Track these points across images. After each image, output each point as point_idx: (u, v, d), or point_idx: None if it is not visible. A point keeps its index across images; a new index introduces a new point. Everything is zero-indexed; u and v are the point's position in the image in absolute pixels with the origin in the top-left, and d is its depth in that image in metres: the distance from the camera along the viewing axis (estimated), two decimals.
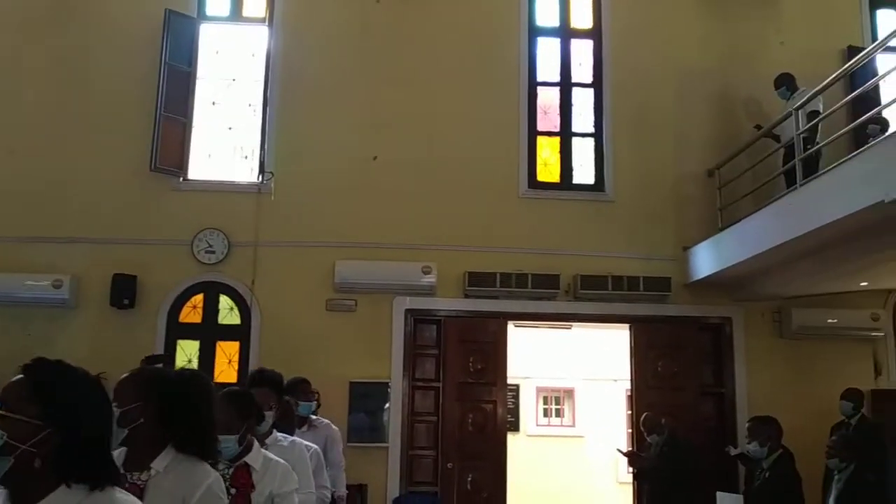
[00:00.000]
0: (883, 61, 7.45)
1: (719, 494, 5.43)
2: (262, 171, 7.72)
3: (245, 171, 7.92)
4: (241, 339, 7.44)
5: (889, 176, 4.45)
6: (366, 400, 7.33)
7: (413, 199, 7.68)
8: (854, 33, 8.38)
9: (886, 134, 5.74)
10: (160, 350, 7.10)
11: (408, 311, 7.55)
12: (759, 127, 7.55)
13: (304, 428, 4.87)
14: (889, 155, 4.53)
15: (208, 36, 8.11)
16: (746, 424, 5.75)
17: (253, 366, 6.94)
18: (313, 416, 5.24)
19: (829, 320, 7.68)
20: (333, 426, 5.39)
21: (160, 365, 2.74)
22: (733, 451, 6.59)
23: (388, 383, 7.37)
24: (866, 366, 7.83)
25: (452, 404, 7.46)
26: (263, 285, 7.47)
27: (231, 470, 2.89)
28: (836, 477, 5.02)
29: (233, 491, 2.82)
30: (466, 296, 7.59)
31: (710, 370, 7.85)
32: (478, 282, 7.48)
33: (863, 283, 7.16)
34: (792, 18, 8.36)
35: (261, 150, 7.81)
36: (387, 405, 7.33)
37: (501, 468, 7.42)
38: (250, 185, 7.72)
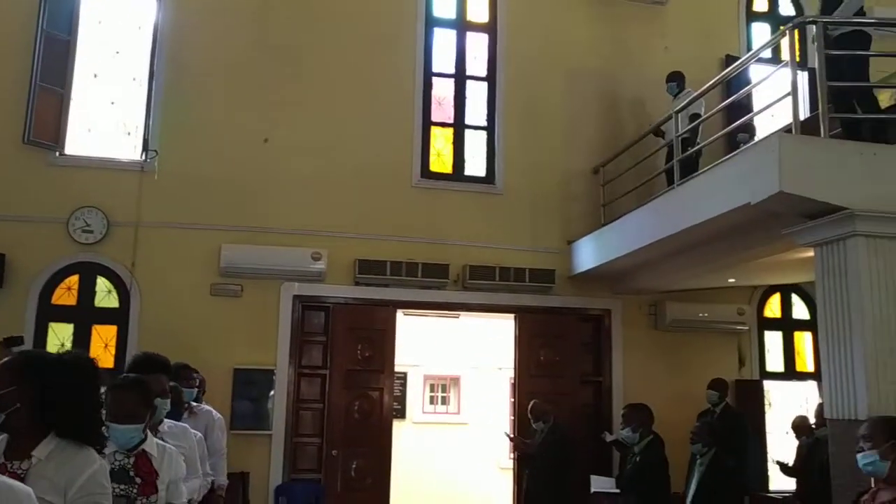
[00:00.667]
0: (756, 71, 7.93)
1: (593, 478, 5.68)
2: (145, 148, 7.43)
3: (128, 147, 7.59)
4: (120, 323, 7.16)
5: (755, 180, 4.74)
6: (250, 387, 7.21)
7: (304, 184, 7.59)
8: (732, 43, 8.87)
9: (754, 141, 6.10)
10: (28, 333, 6.74)
11: (296, 297, 7.47)
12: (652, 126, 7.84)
13: (185, 414, 4.76)
14: (756, 161, 4.83)
15: (91, 5, 7.71)
16: (621, 411, 6.02)
17: (132, 351, 6.70)
18: (194, 403, 5.13)
19: (700, 314, 8.14)
20: (216, 413, 5.30)
21: (21, 346, 2.62)
22: (609, 438, 6.90)
23: (273, 370, 7.27)
24: (732, 357, 8.36)
25: (339, 392, 7.45)
26: (145, 267, 7.20)
27: (132, 459, 2.81)
28: (698, 461, 5.34)
29: (138, 480, 2.77)
30: (356, 283, 7.58)
31: (589, 359, 8.17)
32: (368, 269, 7.49)
33: (731, 280, 7.63)
34: (676, 26, 8.76)
35: (145, 127, 7.51)
36: (272, 392, 7.24)
37: (386, 455, 7.48)
38: (133, 163, 7.41)
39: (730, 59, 8.23)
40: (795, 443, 7.20)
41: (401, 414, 9.77)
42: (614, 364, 8.05)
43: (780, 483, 7.69)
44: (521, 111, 8.25)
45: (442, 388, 10.72)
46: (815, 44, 4.95)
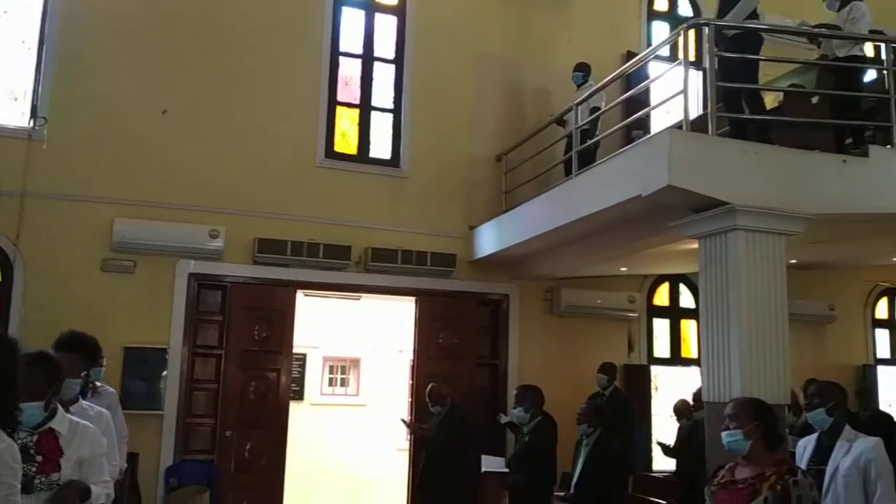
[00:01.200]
0: (656, 69, 8.21)
1: (483, 457, 5.82)
2: (34, 115, 7.05)
3: (14, 114, 7.19)
4: (2, 298, 6.81)
5: (646, 173, 4.95)
6: (142, 366, 6.99)
7: (204, 160, 7.39)
8: (633, 40, 9.17)
9: (647, 136, 6.34)
10: None
11: (192, 275, 7.29)
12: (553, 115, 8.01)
13: (89, 394, 4.60)
14: (647, 155, 5.04)
15: None
16: (514, 392, 6.17)
17: (13, 328, 6.40)
18: (98, 383, 4.96)
19: (593, 301, 8.43)
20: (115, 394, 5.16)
21: None
22: (504, 419, 7.08)
23: (166, 349, 7.09)
24: (622, 343, 8.71)
25: (235, 372, 7.33)
26: (30, 240, 6.85)
27: (35, 437, 2.75)
28: (584, 441, 5.56)
29: (39, 458, 2.71)
30: (255, 262, 7.46)
31: (487, 343, 8.34)
32: (268, 249, 7.38)
33: (623, 269, 7.94)
34: (582, 19, 8.98)
35: (34, 93, 7.13)
36: (164, 372, 7.06)
37: (282, 436, 7.43)
38: (20, 130, 7.02)
39: (630, 56, 8.48)
40: (677, 425, 7.61)
41: (299, 395, 9.70)
42: (510, 347, 8.25)
43: (662, 463, 8.10)
44: (428, 95, 8.28)
45: (342, 370, 10.69)
46: (708, 45, 5.20)
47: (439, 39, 8.40)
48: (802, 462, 3.83)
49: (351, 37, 8.31)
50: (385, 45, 8.43)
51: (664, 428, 8.45)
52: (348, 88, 8.27)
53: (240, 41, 7.69)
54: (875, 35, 5.96)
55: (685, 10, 9.69)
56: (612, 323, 8.65)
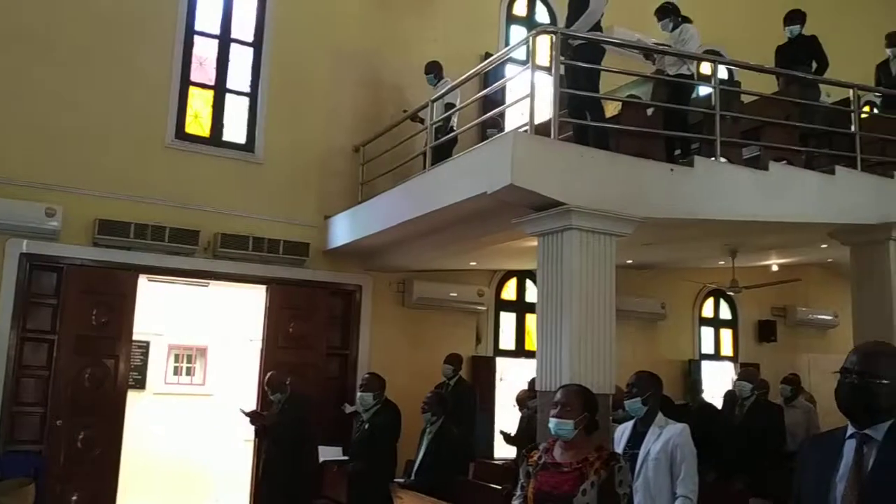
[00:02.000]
0: (514, 71, 8.53)
1: (320, 448, 5.84)
2: None
3: None
4: None
5: (492, 172, 5.15)
6: None
7: (41, 133, 6.98)
8: (493, 42, 9.44)
9: (499, 134, 6.58)
10: None
11: (24, 255, 6.87)
12: (405, 111, 8.14)
13: None
14: (494, 153, 5.26)
15: None
16: (362, 379, 6.21)
17: None
18: None
19: (444, 294, 8.64)
20: None
21: None
22: (348, 409, 7.13)
23: None
24: (470, 335, 8.98)
25: (69, 358, 6.98)
26: None
27: None
28: (428, 429, 5.71)
29: None
30: (96, 244, 7.12)
31: (338, 333, 8.37)
32: (109, 230, 7.07)
33: (472, 263, 8.19)
34: (444, 19, 9.16)
35: None
36: None
37: (118, 426, 7.14)
38: None
39: (488, 57, 8.74)
40: (519, 414, 7.93)
41: (140, 384, 9.32)
42: (362, 338, 8.32)
43: (504, 451, 8.42)
44: (287, 81, 8.19)
45: (188, 359, 10.36)
46: (554, 52, 5.46)
47: (301, 26, 8.32)
48: (619, 446, 4.12)
49: (208, 16, 8.07)
50: (244, 27, 8.25)
51: (508, 417, 8.79)
52: (203, 69, 8.04)
53: (86, 10, 7.29)
54: (704, 55, 6.47)
55: (542, 16, 10.08)
56: (462, 315, 8.90)
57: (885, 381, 2.14)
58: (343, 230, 7.84)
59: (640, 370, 4.25)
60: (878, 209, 6.63)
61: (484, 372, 8.91)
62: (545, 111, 5.35)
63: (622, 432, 4.24)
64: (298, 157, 8.14)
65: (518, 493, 3.44)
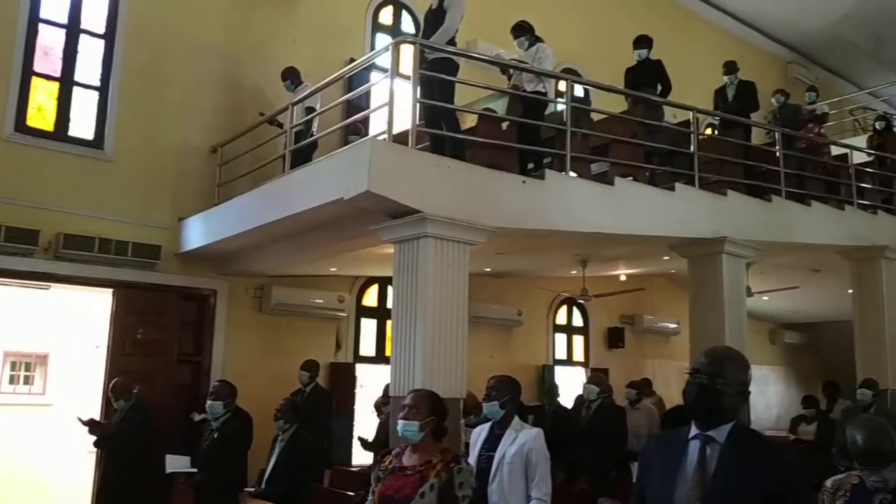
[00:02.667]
0: (377, 79, 8.54)
1: (168, 457, 5.63)
2: None
3: None
4: None
5: (349, 178, 5.15)
6: None
7: None
8: (358, 48, 9.44)
9: (359, 140, 6.59)
10: None
11: None
12: (262, 114, 8.01)
13: None
14: (352, 159, 5.27)
15: None
16: (212, 387, 6.02)
17: None
18: None
19: (304, 300, 8.54)
20: None
21: None
22: (197, 417, 6.90)
23: None
24: (330, 341, 8.92)
25: None
26: None
27: None
28: (280, 437, 5.62)
29: None
30: None
31: (190, 339, 8.08)
32: None
33: (333, 269, 8.15)
34: (308, 22, 9.06)
35: None
36: None
37: None
38: None
39: (351, 63, 8.74)
40: (377, 421, 7.95)
41: None
42: (216, 344, 8.08)
43: (362, 457, 8.41)
44: (140, 77, 7.85)
45: (26, 367, 9.70)
46: (413, 63, 5.55)
47: (157, 20, 8.01)
48: (475, 449, 4.20)
49: (54, 3, 7.61)
50: (95, 17, 7.84)
51: (367, 423, 8.78)
52: (48, 59, 7.57)
53: None
54: (560, 73, 6.75)
55: (408, 26, 10.18)
56: (322, 322, 8.83)
57: (729, 384, 2.26)
58: (197, 233, 7.59)
59: (500, 374, 4.32)
60: (713, 224, 7.15)
61: (344, 378, 8.88)
62: (406, 121, 5.41)
63: (478, 435, 4.30)
64: (151, 155, 7.82)
65: (369, 498, 3.46)
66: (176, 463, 5.55)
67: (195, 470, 5.47)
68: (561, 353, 11.34)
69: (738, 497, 2.16)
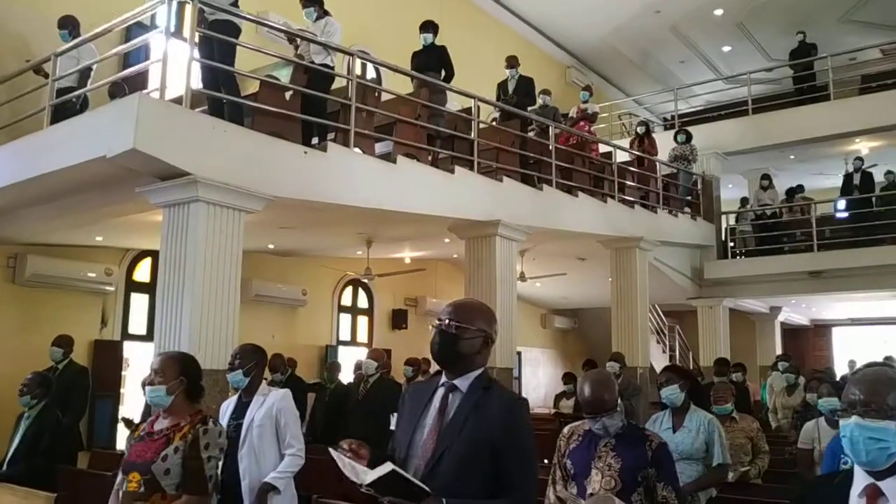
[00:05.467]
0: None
1: None
2: None
3: None
4: None
5: (114, 135, 4.80)
6: None
7: None
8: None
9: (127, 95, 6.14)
10: None
11: None
12: (28, 61, 7.23)
13: None
14: (117, 115, 4.92)
15: None
16: None
17: None
18: None
19: (66, 271, 7.87)
20: None
21: None
22: None
23: None
24: (95, 317, 8.31)
25: None
26: None
27: None
28: (26, 414, 5.16)
29: None
30: None
31: None
32: None
33: (98, 238, 7.59)
34: None
35: None
36: None
37: None
38: None
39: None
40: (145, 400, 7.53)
41: None
42: None
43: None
44: None
45: None
46: (192, 22, 5.29)
47: None
48: (224, 418, 4.10)
49: None
50: None
51: (134, 404, 8.30)
52: None
53: None
54: (347, 49, 6.73)
55: None
56: (86, 296, 8.20)
57: (470, 328, 2.32)
58: None
59: (244, 343, 4.27)
60: (489, 208, 7.52)
61: (109, 357, 8.31)
62: (184, 82, 5.14)
63: (227, 405, 4.23)
64: None
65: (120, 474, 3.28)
66: None
67: None
68: (345, 333, 11.38)
69: (467, 442, 2.23)
